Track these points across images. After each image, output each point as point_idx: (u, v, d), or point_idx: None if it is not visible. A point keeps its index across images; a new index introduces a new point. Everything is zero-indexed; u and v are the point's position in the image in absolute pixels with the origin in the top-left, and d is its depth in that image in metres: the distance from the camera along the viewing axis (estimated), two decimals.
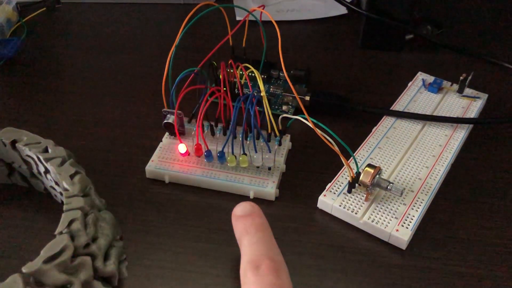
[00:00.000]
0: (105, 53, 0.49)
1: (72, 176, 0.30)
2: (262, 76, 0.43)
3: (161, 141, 0.37)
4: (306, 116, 0.31)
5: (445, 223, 0.33)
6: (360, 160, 0.36)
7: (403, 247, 0.31)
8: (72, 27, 0.53)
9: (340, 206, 0.32)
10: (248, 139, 0.35)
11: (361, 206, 0.32)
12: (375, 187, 0.32)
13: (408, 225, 0.31)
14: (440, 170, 0.35)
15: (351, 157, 0.33)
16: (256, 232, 0.26)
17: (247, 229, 0.27)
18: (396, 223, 0.31)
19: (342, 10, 0.54)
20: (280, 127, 0.36)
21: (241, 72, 0.39)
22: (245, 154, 0.34)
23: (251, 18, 0.38)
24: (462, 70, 0.43)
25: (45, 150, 0.31)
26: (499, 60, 0.47)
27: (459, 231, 0.32)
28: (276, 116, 0.36)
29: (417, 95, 0.42)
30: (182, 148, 0.35)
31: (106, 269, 0.27)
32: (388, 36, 0.48)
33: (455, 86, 0.42)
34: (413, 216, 0.32)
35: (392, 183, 0.32)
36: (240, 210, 0.28)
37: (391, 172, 0.35)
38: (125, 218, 0.33)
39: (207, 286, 0.29)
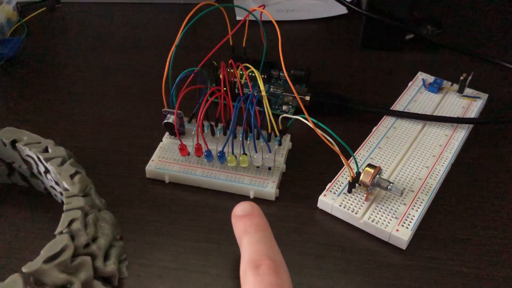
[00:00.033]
0: (105, 53, 0.49)
1: (72, 176, 0.30)
2: (262, 76, 0.43)
3: (161, 141, 0.37)
4: (306, 116, 0.31)
5: (445, 223, 0.33)
6: (360, 160, 0.36)
7: (403, 247, 0.31)
8: (72, 27, 0.53)
9: (340, 206, 0.32)
10: (248, 139, 0.35)
11: (361, 206, 0.32)
12: (375, 187, 0.32)
13: (408, 225, 0.31)
14: (440, 170, 0.35)
15: (351, 157, 0.33)
16: (256, 232, 0.26)
17: (247, 229, 0.27)
18: (396, 223, 0.31)
19: (342, 10, 0.54)
20: (280, 127, 0.36)
21: (241, 72, 0.39)
22: (245, 154, 0.34)
23: (251, 18, 0.38)
24: (462, 70, 0.43)
25: (45, 150, 0.31)
26: (499, 60, 0.47)
27: (459, 231, 0.32)
28: (276, 116, 0.36)
29: (417, 95, 0.42)
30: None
31: (106, 269, 0.27)
32: (388, 36, 0.48)
33: (455, 86, 0.42)
34: (413, 216, 0.32)
35: (392, 183, 0.32)
36: (240, 210, 0.28)
37: (391, 172, 0.35)
38: (125, 218, 0.33)
39: (207, 285, 0.29)
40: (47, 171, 0.32)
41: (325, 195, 0.33)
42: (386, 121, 0.39)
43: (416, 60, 0.48)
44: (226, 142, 0.34)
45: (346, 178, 0.34)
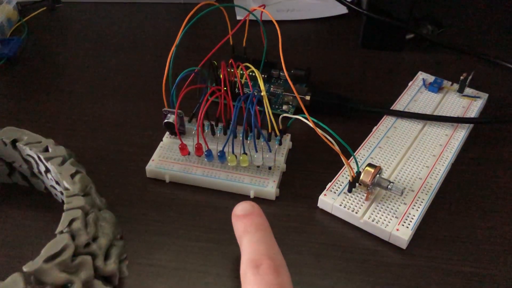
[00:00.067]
0: (105, 53, 0.49)
1: (72, 176, 0.30)
2: (263, 75, 0.43)
3: (162, 140, 0.37)
4: (307, 115, 0.31)
5: (445, 223, 0.33)
6: (361, 159, 0.36)
7: (404, 246, 0.31)
8: (72, 27, 0.53)
9: (340, 205, 0.32)
10: (248, 138, 0.35)
11: (362, 205, 0.32)
12: (375, 186, 0.32)
13: (409, 224, 0.31)
14: (440, 170, 0.35)
15: (352, 157, 0.33)
16: (256, 232, 0.26)
17: (247, 229, 0.27)
18: (397, 223, 0.31)
19: (342, 10, 0.54)
20: (281, 127, 0.36)
21: (241, 72, 0.39)
22: (246, 154, 0.34)
23: (251, 17, 0.38)
24: (463, 69, 0.43)
25: (46, 150, 0.31)
26: (499, 60, 0.47)
27: (459, 231, 0.32)
28: (276, 116, 0.35)
29: (417, 94, 0.42)
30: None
31: (107, 268, 0.27)
32: (388, 35, 0.48)
33: (456, 86, 0.42)
34: (414, 215, 0.32)
35: (393, 182, 0.32)
36: (240, 209, 0.28)
37: (392, 172, 0.35)
38: (126, 218, 0.33)
39: (207, 285, 0.29)
40: (47, 170, 0.32)
41: (325, 195, 0.33)
42: (386, 121, 0.39)
43: (416, 59, 0.48)
44: (227, 142, 0.34)
45: (346, 178, 0.34)
